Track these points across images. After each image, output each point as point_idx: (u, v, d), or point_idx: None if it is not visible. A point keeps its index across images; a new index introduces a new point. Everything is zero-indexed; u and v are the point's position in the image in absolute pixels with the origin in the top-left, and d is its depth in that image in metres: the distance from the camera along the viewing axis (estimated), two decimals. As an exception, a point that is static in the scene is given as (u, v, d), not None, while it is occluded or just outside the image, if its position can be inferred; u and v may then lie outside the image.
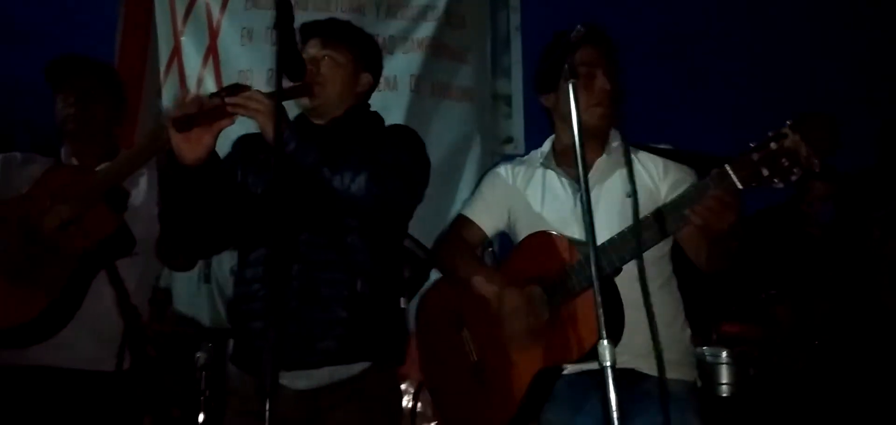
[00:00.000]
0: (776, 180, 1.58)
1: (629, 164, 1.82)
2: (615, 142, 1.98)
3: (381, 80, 3.55)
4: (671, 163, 1.96)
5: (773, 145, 1.57)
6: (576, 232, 1.90)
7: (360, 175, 1.71)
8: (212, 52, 3.60)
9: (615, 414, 1.42)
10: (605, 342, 1.45)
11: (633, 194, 1.76)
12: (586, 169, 1.93)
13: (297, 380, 1.73)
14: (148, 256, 2.12)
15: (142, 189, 2.15)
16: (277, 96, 1.60)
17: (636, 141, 2.04)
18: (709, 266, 1.87)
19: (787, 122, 1.57)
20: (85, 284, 1.98)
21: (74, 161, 2.15)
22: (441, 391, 2.07)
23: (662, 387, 1.74)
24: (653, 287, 1.86)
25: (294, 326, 1.70)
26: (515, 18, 3.80)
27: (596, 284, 1.50)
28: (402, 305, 1.89)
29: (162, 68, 3.59)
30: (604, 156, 1.97)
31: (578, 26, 1.65)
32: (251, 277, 1.81)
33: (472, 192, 2.17)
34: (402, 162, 1.83)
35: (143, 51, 3.62)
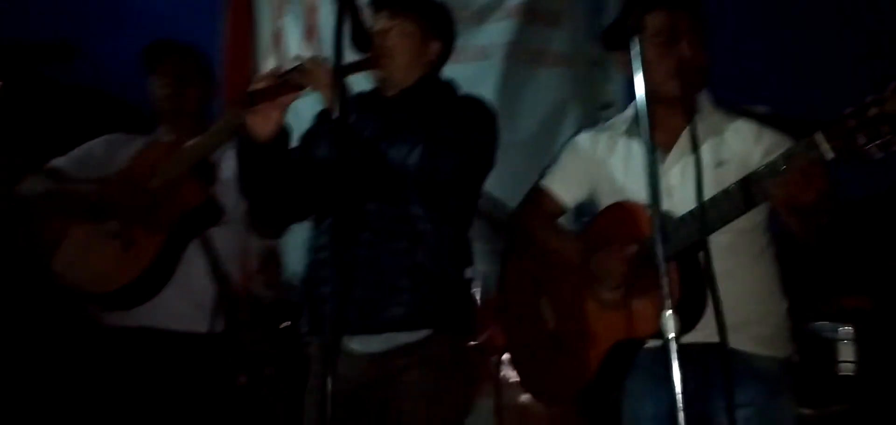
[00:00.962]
0: (874, 150, 1.42)
1: (695, 143, 1.68)
2: (705, 107, 1.86)
3: (474, 49, 3.57)
4: (766, 129, 1.81)
5: (873, 109, 1.41)
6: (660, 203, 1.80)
7: (416, 148, 1.72)
8: (312, 32, 3.72)
9: (679, 390, 1.34)
10: (668, 314, 1.37)
11: (697, 168, 1.61)
12: (653, 138, 1.84)
13: (364, 344, 1.78)
14: (239, 225, 2.24)
15: (231, 162, 2.26)
16: (336, 69, 1.62)
17: (731, 103, 1.91)
18: (800, 240, 1.72)
19: (891, 84, 1.41)
20: (178, 251, 2.14)
21: (166, 138, 2.30)
22: (520, 356, 2.06)
23: (724, 358, 1.61)
24: (744, 259, 1.78)
25: (360, 293, 1.74)
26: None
27: (660, 257, 1.42)
28: (469, 275, 1.87)
29: (265, 50, 3.74)
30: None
31: None
32: (322, 245, 1.86)
33: (552, 161, 2.11)
34: (464, 136, 1.81)
35: (248, 35, 3.78)
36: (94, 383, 2.15)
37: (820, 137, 1.49)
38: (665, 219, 1.73)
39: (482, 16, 3.53)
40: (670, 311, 1.38)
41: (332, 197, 1.58)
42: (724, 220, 1.66)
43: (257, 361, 2.26)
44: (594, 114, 3.50)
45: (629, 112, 1.97)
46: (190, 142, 2.20)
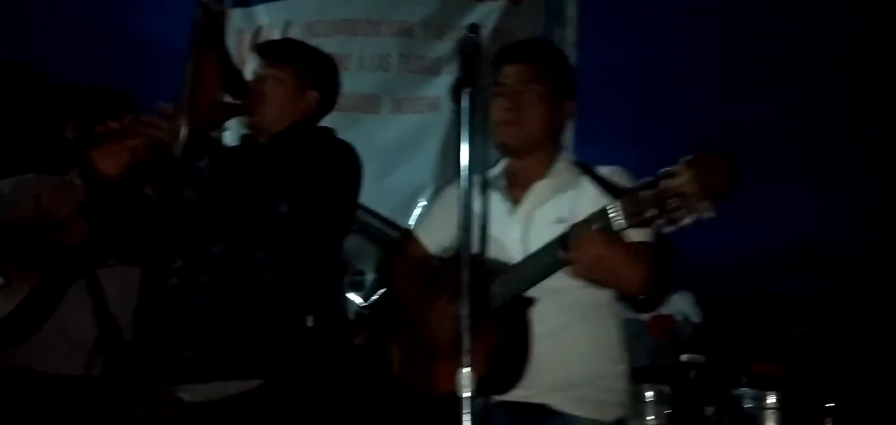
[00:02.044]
0: (662, 222, 1.44)
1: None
2: (559, 165, 1.90)
3: (425, 101, 3.60)
4: (605, 194, 1.80)
5: (663, 183, 1.44)
6: (503, 256, 1.81)
7: (255, 191, 1.73)
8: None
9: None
10: (465, 371, 1.37)
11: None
12: (510, 191, 1.86)
13: (194, 393, 1.77)
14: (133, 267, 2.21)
15: None
16: (181, 114, 1.66)
17: (586, 163, 1.92)
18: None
19: (684, 158, 1.43)
20: (57, 290, 2.15)
21: (78, 181, 2.30)
22: (375, 401, 2.04)
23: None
24: (576, 313, 1.78)
25: (194, 338, 1.74)
26: (572, 33, 3.66)
27: (465, 312, 1.42)
28: (309, 324, 1.85)
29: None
30: (545, 179, 1.88)
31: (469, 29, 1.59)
32: (166, 286, 1.85)
33: (425, 207, 2.14)
34: (324, 185, 1.84)
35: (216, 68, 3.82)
36: None
37: (612, 207, 1.52)
38: (499, 271, 1.76)
39: (435, 67, 3.59)
40: (467, 369, 1.38)
41: (170, 239, 1.60)
42: (534, 280, 1.68)
43: (130, 406, 2.21)
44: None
45: (499, 166, 1.99)
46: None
